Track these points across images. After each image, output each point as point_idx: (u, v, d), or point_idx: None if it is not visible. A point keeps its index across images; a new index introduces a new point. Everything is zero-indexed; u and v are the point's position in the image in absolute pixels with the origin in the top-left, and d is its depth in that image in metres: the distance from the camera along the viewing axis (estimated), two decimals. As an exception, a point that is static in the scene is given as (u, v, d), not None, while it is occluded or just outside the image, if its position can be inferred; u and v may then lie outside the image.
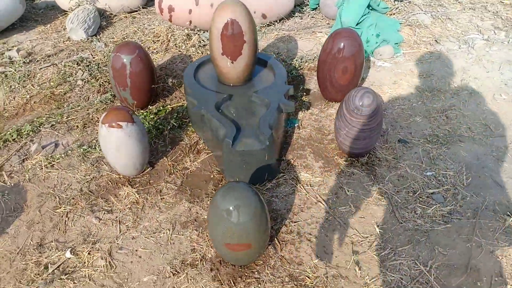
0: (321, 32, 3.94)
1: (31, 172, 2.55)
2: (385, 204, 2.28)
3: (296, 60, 3.51)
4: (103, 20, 4.19)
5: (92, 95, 3.23)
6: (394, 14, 4.18)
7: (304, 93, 3.12)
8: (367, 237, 2.12)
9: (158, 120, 2.90)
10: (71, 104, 3.11)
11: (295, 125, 2.84)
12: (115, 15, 4.31)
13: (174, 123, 2.85)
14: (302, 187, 2.40)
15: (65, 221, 2.26)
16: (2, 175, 2.53)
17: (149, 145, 2.51)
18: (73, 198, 2.38)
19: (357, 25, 3.83)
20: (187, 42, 3.71)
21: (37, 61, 3.59)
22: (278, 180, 2.45)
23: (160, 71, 3.45)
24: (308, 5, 4.38)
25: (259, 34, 3.86)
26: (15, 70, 3.43)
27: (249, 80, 2.78)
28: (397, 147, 2.64)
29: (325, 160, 2.57)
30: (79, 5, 4.18)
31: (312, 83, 3.26)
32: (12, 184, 2.47)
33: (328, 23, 4.10)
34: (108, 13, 4.30)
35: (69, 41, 3.91)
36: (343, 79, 2.85)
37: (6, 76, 3.39)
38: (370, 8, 4.00)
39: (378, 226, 2.17)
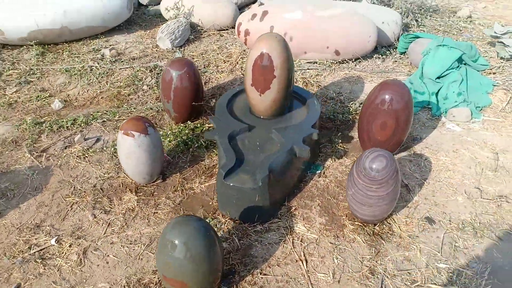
0: (396, 77, 3.60)
1: (65, 159, 2.83)
2: (372, 286, 1.96)
3: (353, 104, 3.26)
4: (193, 33, 4.47)
5: (150, 101, 3.46)
6: (494, 74, 3.62)
7: (342, 140, 2.88)
8: (333, 317, 1.85)
9: (190, 136, 2.97)
10: (128, 106, 3.37)
11: (317, 171, 2.64)
12: (205, 31, 4.57)
13: (202, 142, 2.88)
14: (290, 240, 2.21)
15: (68, 210, 2.45)
16: (42, 156, 2.86)
17: (161, 158, 2.57)
18: (84, 191, 2.57)
19: (439, 78, 3.42)
20: (253, 67, 3.74)
21: (122, 61, 4.00)
22: (271, 224, 2.30)
23: (217, 90, 3.54)
24: (397, 47, 4.06)
25: (327, 70, 3.70)
26: (100, 67, 3.87)
27: (280, 114, 2.68)
28: (420, 225, 2.26)
29: (330, 217, 2.33)
30: (175, 17, 4.54)
31: (359, 132, 3.00)
32: (44, 166, 2.77)
33: (410, 71, 3.74)
34: (199, 28, 4.59)
35: (157, 48, 4.26)
36: (381, 134, 2.56)
37: (91, 70, 3.84)
38: (464, 63, 3.54)
39: (350, 309, 1.87)
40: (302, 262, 2.09)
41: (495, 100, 3.30)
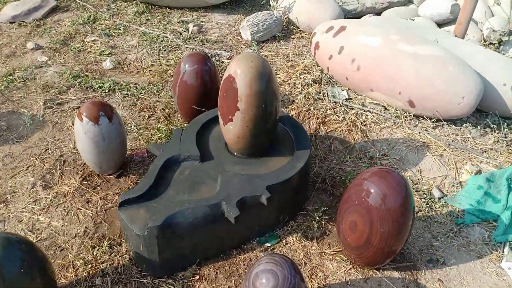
0: (477, 166, 2.56)
1: (65, 119, 2.84)
2: None
3: (388, 177, 2.43)
4: (284, 31, 4.00)
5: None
6: None
7: (325, 217, 2.17)
8: None
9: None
10: (159, 87, 3.20)
11: (266, 244, 2.04)
12: (298, 31, 4.05)
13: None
14: (160, 313, 1.76)
15: (21, 170, 2.45)
16: (52, 108, 2.93)
17: (116, 153, 2.33)
18: (48, 157, 2.54)
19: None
20: (306, 87, 3.14)
21: (194, 40, 3.83)
22: (162, 282, 1.88)
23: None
24: (514, 123, 2.88)
25: (391, 120, 2.85)
26: (171, 39, 3.78)
27: (254, 155, 2.13)
28: None
29: (227, 310, 1.78)
30: (274, 9, 4.13)
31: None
32: (42, 119, 2.83)
33: (508, 162, 2.61)
34: (293, 27, 4.08)
35: (238, 37, 3.96)
36: (351, 237, 1.81)
37: (161, 41, 3.79)
38: None
39: None
40: None
41: None
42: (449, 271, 2.00)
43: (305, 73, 3.29)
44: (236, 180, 1.95)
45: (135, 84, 3.23)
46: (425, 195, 2.37)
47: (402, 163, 2.58)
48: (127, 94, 3.10)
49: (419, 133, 2.79)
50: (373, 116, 2.90)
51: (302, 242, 2.08)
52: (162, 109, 2.98)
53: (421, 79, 2.68)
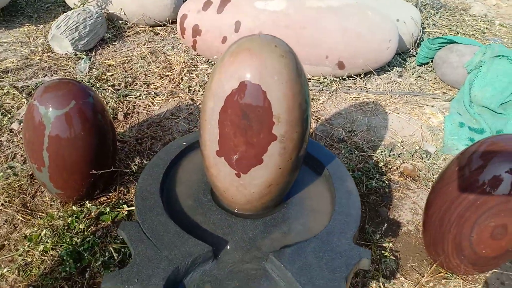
0: (431, 106, 2.34)
1: None
2: None
3: (382, 152, 1.94)
4: (112, 30, 2.92)
5: (20, 154, 1.90)
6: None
7: (384, 234, 1.54)
8: None
9: (88, 238, 1.47)
10: (-25, 164, 1.79)
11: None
12: (132, 26, 3.04)
13: (114, 251, 1.41)
14: None
15: None
16: None
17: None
18: None
19: (499, 107, 2.20)
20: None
21: (-17, 76, 2.38)
22: None
23: (147, 129, 2.05)
24: (414, 56, 2.80)
25: (326, 91, 2.35)
26: None
27: (273, 206, 1.27)
28: None
29: None
30: (83, 4, 2.97)
31: (406, 208, 1.69)
32: None
33: (445, 92, 2.50)
34: (122, 22, 3.04)
35: (50, 53, 2.67)
36: (490, 246, 1.24)
37: None
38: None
39: None
40: None
41: None
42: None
43: (192, 71, 2.41)
44: (310, 258, 1.07)
45: None
46: (424, 157, 1.99)
47: (374, 132, 2.12)
48: None
49: (359, 94, 2.38)
50: (304, 93, 2.34)
51: (386, 285, 1.39)
52: (8, 201, 1.66)
53: (349, 34, 2.24)
